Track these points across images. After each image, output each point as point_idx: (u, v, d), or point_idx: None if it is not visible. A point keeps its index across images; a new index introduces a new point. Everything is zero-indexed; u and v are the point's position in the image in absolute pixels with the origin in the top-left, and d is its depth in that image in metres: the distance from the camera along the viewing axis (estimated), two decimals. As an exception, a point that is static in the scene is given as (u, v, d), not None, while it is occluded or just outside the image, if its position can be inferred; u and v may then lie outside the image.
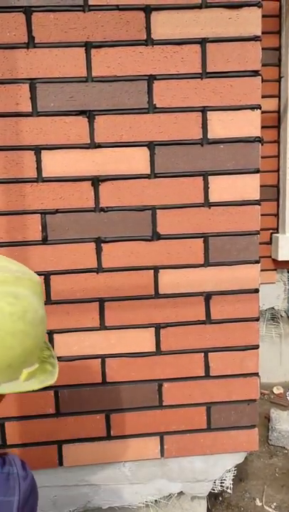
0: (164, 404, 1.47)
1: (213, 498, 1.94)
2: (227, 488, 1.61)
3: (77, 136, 1.33)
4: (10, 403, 1.42)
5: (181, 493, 1.58)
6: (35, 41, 1.29)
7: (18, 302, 0.77)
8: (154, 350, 1.44)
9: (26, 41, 1.29)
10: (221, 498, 1.98)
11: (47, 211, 1.35)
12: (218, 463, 1.55)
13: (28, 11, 1.27)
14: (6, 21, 1.28)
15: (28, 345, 0.79)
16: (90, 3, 1.28)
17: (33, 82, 1.30)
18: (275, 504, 1.96)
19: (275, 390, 2.87)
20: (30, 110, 1.31)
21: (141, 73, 1.32)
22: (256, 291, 1.45)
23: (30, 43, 1.29)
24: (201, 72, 1.33)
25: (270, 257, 2.78)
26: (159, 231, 1.39)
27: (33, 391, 0.83)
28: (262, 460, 2.26)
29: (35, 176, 1.34)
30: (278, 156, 2.72)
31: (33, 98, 1.31)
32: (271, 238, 2.77)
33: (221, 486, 1.61)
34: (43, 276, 1.36)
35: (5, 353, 0.76)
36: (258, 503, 1.97)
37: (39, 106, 1.31)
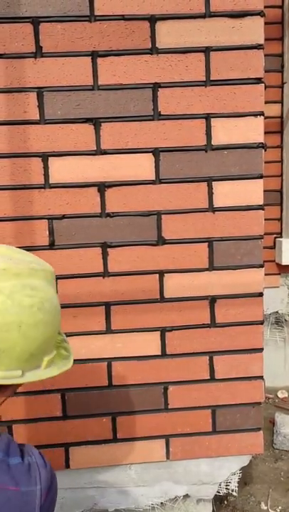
0: (169, 407, 1.48)
1: (219, 501, 1.95)
2: (232, 491, 1.62)
3: (83, 143, 1.36)
4: (17, 406, 1.43)
5: (186, 496, 1.59)
6: (43, 51, 1.32)
7: (36, 294, 0.80)
8: (160, 353, 1.46)
9: (34, 51, 1.32)
10: (226, 502, 1.98)
11: (54, 217, 1.38)
12: (223, 466, 1.56)
13: (35, 22, 1.30)
14: (15, 31, 1.31)
15: (48, 334, 0.82)
16: (96, 13, 1.31)
17: (40, 91, 1.33)
18: (280, 508, 1.96)
19: (280, 394, 2.87)
20: (38, 118, 1.34)
21: (146, 81, 1.35)
22: (260, 295, 1.46)
23: (38, 53, 1.32)
24: (205, 80, 1.36)
25: (274, 261, 2.79)
26: (164, 236, 1.41)
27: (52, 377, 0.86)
28: (267, 464, 2.26)
29: (43, 183, 1.36)
30: (281, 161, 2.74)
31: (41, 106, 1.33)
32: (275, 242, 2.79)
33: (226, 489, 1.62)
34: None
35: (28, 344, 0.79)
36: (263, 506, 1.97)
37: (46, 114, 1.34)
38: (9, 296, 0.76)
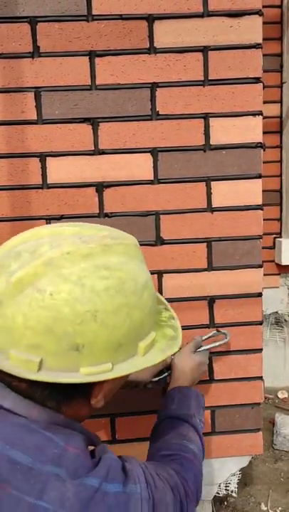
0: (168, 407, 1.48)
1: (219, 502, 1.95)
2: (232, 492, 1.61)
3: (81, 143, 1.35)
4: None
5: (186, 497, 1.58)
6: (40, 50, 1.31)
7: (113, 274, 0.68)
8: (159, 354, 1.45)
9: (31, 50, 1.31)
10: (226, 503, 1.98)
11: (52, 217, 1.37)
12: (222, 466, 1.55)
13: (33, 21, 1.30)
14: (12, 31, 1.30)
15: (136, 318, 0.70)
16: (94, 13, 1.31)
17: (38, 91, 1.33)
18: (280, 509, 1.96)
19: (280, 395, 2.87)
20: (36, 118, 1.34)
21: (144, 81, 1.35)
22: (259, 295, 1.46)
23: (36, 53, 1.31)
24: (203, 79, 1.36)
25: (274, 261, 2.79)
26: (162, 236, 1.41)
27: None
28: (267, 464, 2.26)
29: (41, 183, 1.36)
30: (281, 161, 2.74)
31: (38, 106, 1.33)
32: (274, 243, 2.78)
33: (226, 489, 1.61)
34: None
35: (112, 334, 0.67)
36: (263, 507, 1.97)
37: (44, 114, 1.34)
38: (77, 282, 0.65)
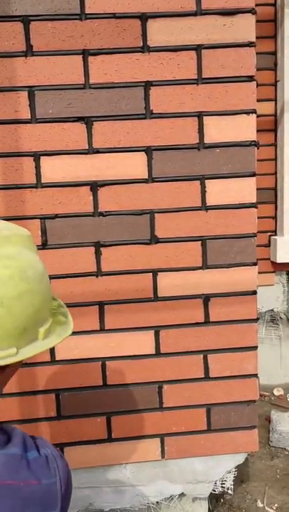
0: (164, 406, 1.48)
1: (215, 499, 1.95)
2: (228, 489, 1.62)
3: (75, 142, 1.35)
4: (12, 406, 1.43)
5: (182, 495, 1.59)
6: (34, 49, 1.31)
7: (14, 263, 0.72)
8: (154, 352, 1.46)
9: (25, 49, 1.31)
10: (222, 500, 1.99)
11: (46, 216, 1.37)
12: (218, 464, 1.56)
13: (26, 20, 1.30)
14: (5, 30, 1.30)
15: (37, 304, 0.75)
16: (87, 11, 1.31)
17: (31, 90, 1.32)
18: (276, 505, 1.97)
19: (276, 392, 2.88)
20: (29, 117, 1.33)
21: (138, 80, 1.34)
22: (254, 292, 1.46)
23: (29, 52, 1.31)
24: (196, 78, 1.36)
25: (269, 259, 2.79)
26: (157, 235, 1.41)
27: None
28: (263, 462, 2.26)
29: (35, 182, 1.36)
30: (276, 159, 2.75)
31: (32, 105, 1.33)
32: (270, 241, 2.79)
33: (222, 487, 1.62)
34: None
35: (17, 319, 0.72)
36: (260, 504, 1.98)
37: (38, 113, 1.33)
38: None
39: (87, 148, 1.36)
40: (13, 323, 0.72)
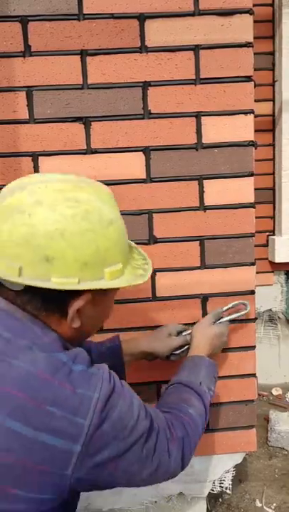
0: (162, 405, 1.48)
1: (213, 499, 1.95)
2: (226, 488, 1.62)
3: (73, 143, 1.35)
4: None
5: (180, 494, 1.59)
6: (32, 50, 1.31)
7: (80, 205, 0.82)
8: (152, 352, 1.46)
9: (23, 50, 1.31)
10: (220, 500, 1.99)
11: (45, 216, 1.37)
12: (217, 464, 1.56)
13: (24, 20, 1.30)
14: (3, 30, 1.30)
15: (101, 245, 0.83)
16: (85, 12, 1.31)
17: (29, 90, 1.32)
18: (274, 505, 1.97)
19: (274, 392, 2.88)
20: (28, 117, 1.33)
21: (136, 80, 1.35)
22: (252, 292, 1.47)
23: (27, 52, 1.31)
24: (194, 78, 1.36)
25: (267, 259, 2.80)
26: (155, 235, 1.41)
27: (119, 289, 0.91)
28: (261, 461, 2.27)
29: (33, 182, 1.36)
30: (274, 159, 2.75)
31: (30, 105, 1.33)
32: (268, 240, 2.79)
33: (221, 486, 1.62)
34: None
35: (77, 253, 0.81)
36: (258, 504, 1.98)
37: (36, 113, 1.33)
38: (50, 208, 0.80)
39: (85, 148, 1.36)
40: (73, 256, 0.81)
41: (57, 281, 0.80)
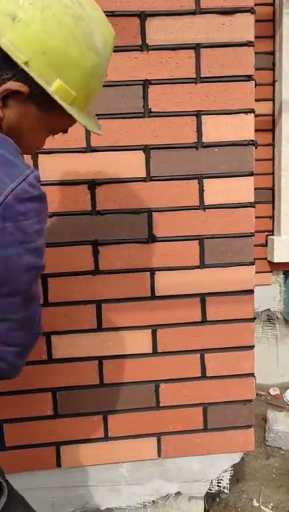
0: (160, 405, 1.48)
1: (211, 498, 1.95)
2: (224, 488, 1.62)
3: (73, 141, 1.35)
4: (8, 405, 1.43)
5: (178, 494, 1.59)
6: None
7: (78, 8, 0.77)
8: (151, 351, 1.46)
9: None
10: (218, 499, 1.99)
11: (44, 214, 1.37)
12: (214, 463, 1.56)
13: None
14: None
15: (68, 47, 0.77)
16: (86, 9, 1.30)
17: (29, 88, 1.32)
18: (272, 504, 1.97)
19: (272, 391, 2.88)
20: (27, 115, 1.33)
21: (136, 78, 1.34)
22: (251, 292, 1.46)
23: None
24: (195, 77, 1.35)
25: (266, 258, 2.80)
26: (154, 233, 1.41)
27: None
28: (259, 461, 2.27)
29: (33, 180, 1.35)
30: (273, 159, 2.75)
31: (30, 103, 1.32)
32: (267, 240, 2.79)
33: (218, 486, 1.62)
34: (40, 280, 1.37)
35: (42, 36, 0.75)
36: (255, 503, 1.98)
37: (36, 111, 1.33)
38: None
39: (85, 146, 1.36)
40: (36, 33, 0.74)
41: (6, 42, 0.73)
